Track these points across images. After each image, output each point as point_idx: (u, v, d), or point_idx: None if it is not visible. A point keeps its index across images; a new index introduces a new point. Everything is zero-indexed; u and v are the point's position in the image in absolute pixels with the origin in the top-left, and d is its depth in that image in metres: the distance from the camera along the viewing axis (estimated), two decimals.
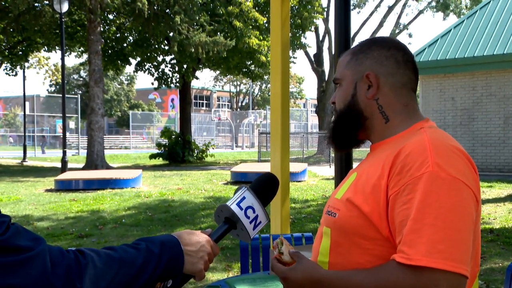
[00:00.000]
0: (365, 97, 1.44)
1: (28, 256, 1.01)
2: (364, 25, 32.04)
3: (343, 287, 1.28)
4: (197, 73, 27.44)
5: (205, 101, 62.73)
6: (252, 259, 3.54)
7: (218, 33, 20.73)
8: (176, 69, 23.15)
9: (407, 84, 1.45)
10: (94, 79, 18.54)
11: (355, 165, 1.60)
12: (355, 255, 1.33)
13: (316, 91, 28.82)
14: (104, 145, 20.10)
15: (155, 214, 9.17)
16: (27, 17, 18.97)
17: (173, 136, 22.95)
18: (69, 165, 17.89)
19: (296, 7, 22.08)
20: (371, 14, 32.63)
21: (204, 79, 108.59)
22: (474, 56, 14.99)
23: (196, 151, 24.10)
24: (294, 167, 14.29)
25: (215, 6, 21.44)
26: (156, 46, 22.72)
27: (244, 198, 1.36)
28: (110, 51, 23.30)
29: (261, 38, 21.61)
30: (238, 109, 62.96)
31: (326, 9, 26.59)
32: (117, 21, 22.93)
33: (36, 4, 19.49)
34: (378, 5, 47.05)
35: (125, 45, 23.40)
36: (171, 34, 19.59)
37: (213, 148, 25.86)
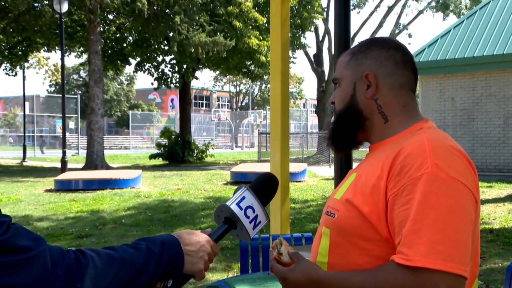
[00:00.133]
0: (364, 97, 1.44)
1: (28, 256, 1.01)
2: (364, 25, 32.05)
3: None
4: (197, 73, 27.48)
5: (205, 101, 62.73)
6: (252, 259, 3.55)
7: (218, 33, 20.73)
8: (176, 69, 23.15)
9: (406, 84, 1.45)
10: (94, 79, 18.54)
11: (354, 165, 1.60)
12: (354, 256, 1.33)
13: (316, 91, 28.83)
14: (104, 145, 20.11)
15: (154, 214, 9.18)
16: (27, 17, 18.98)
17: (173, 136, 22.95)
18: (69, 165, 17.89)
19: (296, 7, 22.08)
20: (371, 14, 32.65)
21: (204, 79, 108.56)
22: (474, 56, 14.99)
23: (196, 151, 24.11)
24: (294, 167, 14.29)
25: (215, 6, 21.45)
26: (156, 46, 22.72)
27: (243, 198, 1.36)
28: (110, 51, 23.30)
29: (261, 38, 21.61)
30: (238, 109, 62.96)
31: (326, 9, 26.60)
32: (117, 21, 22.94)
33: (36, 4, 19.50)
34: (378, 5, 47.07)
35: (125, 45, 23.41)
36: (171, 34, 19.59)
37: (212, 148, 25.87)
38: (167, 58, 23.97)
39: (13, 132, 49.71)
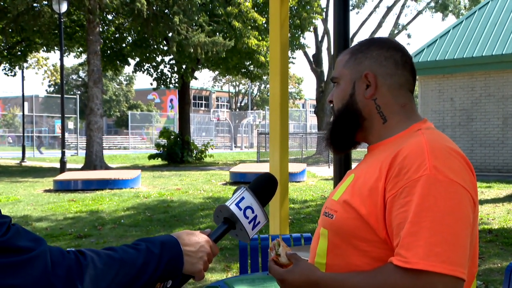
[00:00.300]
0: (363, 97, 1.44)
1: (29, 256, 1.02)
2: (363, 26, 32.05)
3: None
4: (196, 74, 27.50)
5: (204, 102, 62.73)
6: (251, 259, 3.55)
7: (217, 34, 20.74)
8: (175, 69, 23.16)
9: (405, 85, 1.45)
10: (93, 80, 18.54)
11: (354, 165, 1.60)
12: (352, 257, 1.33)
13: (315, 92, 28.84)
14: (103, 145, 20.10)
15: (154, 214, 9.17)
16: (26, 17, 18.97)
17: (172, 137, 22.95)
18: (68, 166, 17.88)
19: (295, 7, 22.09)
20: (370, 15, 32.65)
21: (203, 79, 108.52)
22: (473, 57, 15.00)
23: (195, 152, 24.11)
24: (293, 167, 14.29)
25: (214, 7, 21.45)
26: (155, 46, 22.73)
27: (243, 198, 1.37)
28: (109, 52, 23.30)
29: (260, 38, 21.62)
30: (237, 110, 62.97)
31: (325, 10, 26.60)
32: (116, 22, 22.94)
33: (35, 5, 19.50)
34: (377, 6, 47.09)
35: (124, 45, 23.41)
36: (170, 34, 19.59)
37: (212, 149, 25.87)
38: (166, 58, 24.00)
39: (12, 132, 49.72)
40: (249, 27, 21.07)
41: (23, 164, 23.60)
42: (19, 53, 24.71)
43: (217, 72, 37.77)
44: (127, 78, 60.96)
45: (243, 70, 25.10)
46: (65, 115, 19.50)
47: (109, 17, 22.91)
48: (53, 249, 1.07)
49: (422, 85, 16.17)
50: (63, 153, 17.03)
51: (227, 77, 53.08)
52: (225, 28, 20.94)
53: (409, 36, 60.51)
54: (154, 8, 19.24)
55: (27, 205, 10.34)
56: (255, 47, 20.99)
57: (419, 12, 34.34)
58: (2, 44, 23.56)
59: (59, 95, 20.15)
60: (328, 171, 18.22)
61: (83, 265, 1.09)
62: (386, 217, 1.27)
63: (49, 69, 42.91)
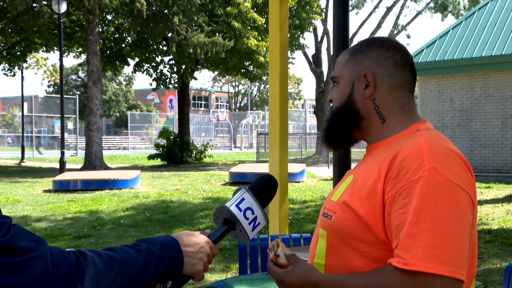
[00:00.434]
0: (362, 97, 1.44)
1: (29, 257, 1.02)
2: (362, 26, 32.05)
3: None
4: (196, 74, 27.50)
5: (203, 102, 62.72)
6: (251, 260, 3.55)
7: (217, 34, 20.74)
8: (175, 69, 23.16)
9: (404, 85, 1.44)
10: (92, 80, 18.53)
11: (353, 166, 1.60)
12: (351, 258, 1.33)
13: (315, 92, 28.85)
14: (103, 145, 20.10)
15: (153, 214, 9.17)
16: (25, 17, 18.97)
17: (172, 137, 22.95)
18: (67, 166, 17.87)
19: (295, 8, 22.10)
20: (369, 15, 32.67)
21: (203, 79, 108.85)
22: (472, 57, 15.01)
23: (194, 152, 24.11)
24: (292, 167, 14.30)
25: (214, 7, 21.45)
26: (155, 46, 22.73)
27: (243, 199, 1.37)
28: (108, 52, 23.30)
29: (260, 38, 21.62)
30: (237, 110, 62.97)
31: (324, 10, 26.61)
32: (116, 22, 22.94)
33: (35, 5, 19.49)
34: (377, 6, 47.08)
35: (123, 45, 23.41)
36: (169, 34, 19.59)
37: (211, 149, 25.87)
38: (166, 59, 24.00)
39: (12, 132, 49.69)
40: (249, 28, 21.07)
41: (23, 164, 23.59)
42: (18, 53, 24.70)
43: (216, 73, 37.78)
44: (127, 78, 60.95)
45: (242, 71, 25.10)
46: (65, 116, 19.49)
47: (109, 17, 22.91)
48: (54, 249, 1.08)
49: (421, 86, 16.18)
50: (62, 153, 17.03)
51: (227, 77, 53.09)
52: (225, 28, 20.94)
53: (408, 36, 60.61)
54: (153, 8, 19.25)
55: (26, 205, 10.33)
56: (254, 47, 20.99)
57: (419, 13, 34.37)
58: (2, 44, 23.56)
59: (59, 95, 20.16)
60: (327, 171, 18.22)
61: (83, 266, 1.09)
62: (385, 218, 1.27)
63: (48, 69, 42.87)
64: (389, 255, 1.26)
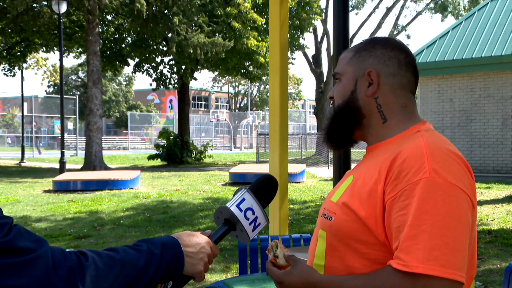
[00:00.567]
0: (364, 95, 1.43)
1: (30, 257, 1.02)
2: (362, 27, 32.08)
3: None
4: (196, 74, 27.51)
5: (203, 102, 62.72)
6: (251, 260, 3.55)
7: (217, 34, 20.74)
8: (175, 70, 23.16)
9: (407, 85, 1.44)
10: (92, 80, 18.53)
11: (353, 166, 1.60)
12: (351, 259, 1.33)
13: (315, 92, 28.85)
14: (102, 146, 20.10)
15: (153, 215, 9.17)
16: (25, 18, 18.97)
17: (171, 137, 22.95)
18: (67, 166, 17.88)
19: (295, 8, 22.10)
20: (369, 16, 32.68)
21: (203, 80, 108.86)
22: (472, 58, 15.01)
23: (194, 152, 24.11)
24: (292, 168, 14.29)
25: (214, 7, 21.46)
26: (155, 47, 22.73)
27: (243, 199, 1.37)
28: (108, 52, 23.30)
29: (260, 39, 21.62)
30: (237, 110, 62.97)
31: (324, 11, 26.62)
32: (116, 22, 22.94)
33: (35, 5, 19.49)
34: (377, 7, 47.07)
35: (123, 46, 23.41)
36: (169, 35, 19.60)
37: (211, 149, 25.87)
38: (166, 59, 24.00)
39: (12, 132, 49.69)
40: (249, 28, 21.07)
41: (23, 164, 23.59)
42: (18, 53, 24.69)
43: (216, 73, 37.74)
44: (127, 78, 60.96)
45: (242, 71, 25.10)
46: (65, 116, 19.49)
47: (109, 17, 22.90)
48: (55, 249, 1.08)
49: (421, 86, 16.18)
50: (62, 154, 17.03)
51: (227, 77, 53.07)
52: (225, 28, 20.94)
53: (408, 37, 60.57)
54: (153, 8, 19.25)
55: (26, 206, 10.33)
56: (254, 47, 20.99)
57: (419, 13, 34.39)
58: (2, 45, 23.55)
59: (59, 96, 20.16)
60: (327, 171, 18.22)
61: (84, 266, 1.09)
62: (385, 220, 1.27)
63: (48, 70, 42.85)
64: (389, 256, 1.26)
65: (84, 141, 21.76)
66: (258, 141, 26.09)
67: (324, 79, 27.72)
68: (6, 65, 25.52)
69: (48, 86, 56.64)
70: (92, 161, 18.44)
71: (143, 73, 24.36)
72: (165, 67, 24.09)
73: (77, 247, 6.78)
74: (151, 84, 24.65)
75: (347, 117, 1.45)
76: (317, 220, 1.49)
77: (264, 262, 3.45)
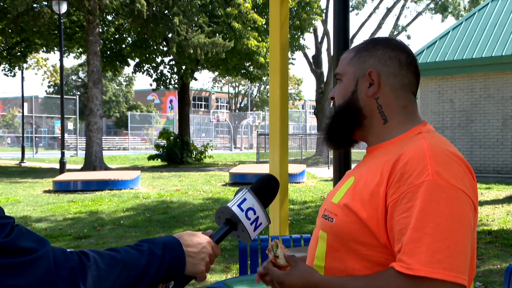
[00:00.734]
0: (365, 95, 1.43)
1: (32, 257, 1.02)
2: (362, 27, 32.05)
3: None
4: (196, 74, 27.51)
5: (203, 102, 62.73)
6: (251, 260, 3.55)
7: (217, 34, 20.74)
8: (175, 70, 23.17)
9: (407, 86, 1.44)
10: (92, 80, 18.54)
11: (353, 166, 1.60)
12: (352, 261, 1.33)
13: (315, 93, 28.84)
14: (103, 146, 20.10)
15: (153, 215, 9.17)
16: (25, 18, 18.97)
17: (172, 137, 22.95)
18: (68, 166, 17.88)
19: (295, 8, 22.10)
20: (369, 16, 32.67)
21: (203, 80, 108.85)
22: (473, 58, 15.01)
23: (194, 152, 24.11)
24: (292, 168, 14.29)
25: (214, 8, 21.46)
26: (155, 47, 22.73)
27: (245, 199, 1.37)
28: (108, 52, 23.30)
29: (260, 39, 21.62)
30: (237, 111, 62.97)
31: (324, 11, 26.61)
32: (116, 22, 22.94)
33: (35, 5, 19.50)
34: (377, 7, 47.05)
35: (123, 46, 23.41)
36: (169, 35, 19.60)
37: (211, 149, 25.87)
38: (166, 59, 24.00)
39: (12, 133, 49.70)
40: (249, 28, 21.07)
41: (23, 164, 23.59)
42: (18, 53, 24.70)
43: (216, 73, 37.72)
44: (127, 79, 60.95)
45: (242, 71, 25.10)
46: (65, 116, 19.49)
47: (109, 17, 22.91)
48: (56, 250, 1.08)
49: (421, 86, 16.18)
50: (62, 154, 17.03)
51: (227, 78, 53.09)
52: (225, 29, 20.95)
53: (408, 37, 60.51)
54: (154, 9, 19.25)
55: (26, 206, 10.33)
56: (254, 48, 21.00)
57: (419, 14, 34.38)
58: (2, 45, 23.55)
59: (59, 96, 20.16)
60: (327, 172, 18.22)
61: (86, 266, 1.09)
62: (388, 222, 1.27)
63: (48, 70, 42.89)
64: (390, 258, 1.26)
65: (84, 141, 21.77)
66: (258, 141, 26.09)
67: (325, 80, 27.71)
68: (7, 65, 25.52)
69: (48, 86, 56.65)
70: (92, 161, 18.44)
71: (143, 73, 24.37)
72: (165, 67, 24.10)
73: (77, 247, 6.78)
74: (151, 85, 24.65)
75: (347, 117, 1.45)
76: (317, 221, 1.48)
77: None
